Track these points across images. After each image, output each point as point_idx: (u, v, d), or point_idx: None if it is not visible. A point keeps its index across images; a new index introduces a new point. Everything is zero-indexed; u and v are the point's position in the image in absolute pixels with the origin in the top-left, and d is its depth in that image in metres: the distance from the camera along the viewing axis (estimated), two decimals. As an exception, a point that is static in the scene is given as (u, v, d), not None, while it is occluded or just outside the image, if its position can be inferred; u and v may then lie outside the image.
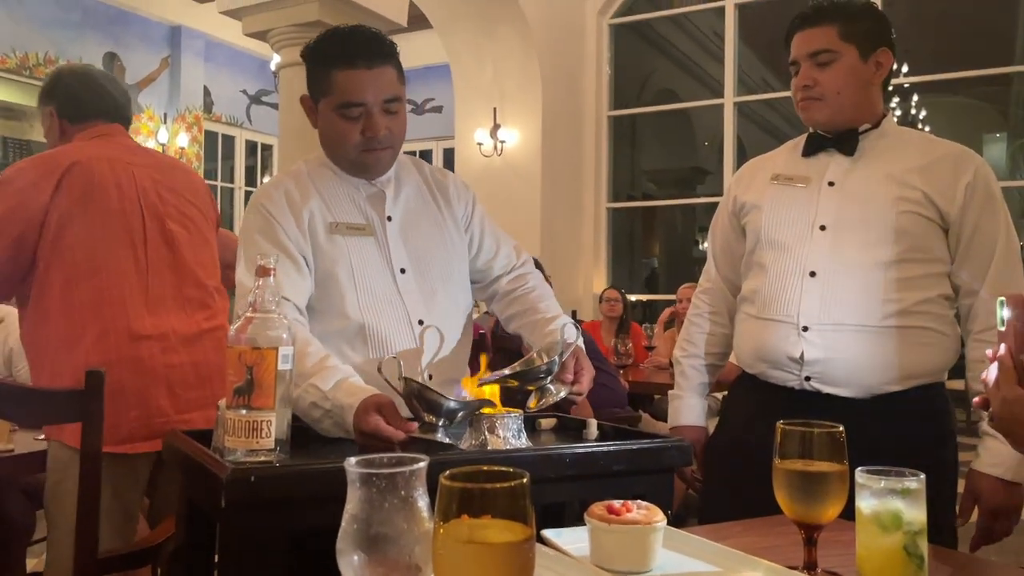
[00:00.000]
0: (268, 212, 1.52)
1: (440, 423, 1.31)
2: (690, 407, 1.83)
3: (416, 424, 1.29)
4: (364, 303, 1.52)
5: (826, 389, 1.55)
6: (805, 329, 1.56)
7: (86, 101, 1.97)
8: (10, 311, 2.88)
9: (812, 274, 1.57)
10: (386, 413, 1.28)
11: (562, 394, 1.42)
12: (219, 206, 2.21)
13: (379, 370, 1.40)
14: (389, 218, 1.59)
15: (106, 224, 1.81)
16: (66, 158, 1.82)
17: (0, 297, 1.83)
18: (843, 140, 1.64)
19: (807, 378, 1.56)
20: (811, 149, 1.69)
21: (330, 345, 1.50)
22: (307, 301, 1.52)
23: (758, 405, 1.62)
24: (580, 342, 1.51)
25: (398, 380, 1.34)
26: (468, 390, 1.37)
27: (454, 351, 1.61)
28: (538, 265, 3.41)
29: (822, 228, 1.59)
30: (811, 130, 1.71)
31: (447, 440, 1.31)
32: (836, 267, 1.56)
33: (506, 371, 1.40)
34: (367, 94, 1.48)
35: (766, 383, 1.64)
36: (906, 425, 1.52)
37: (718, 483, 1.74)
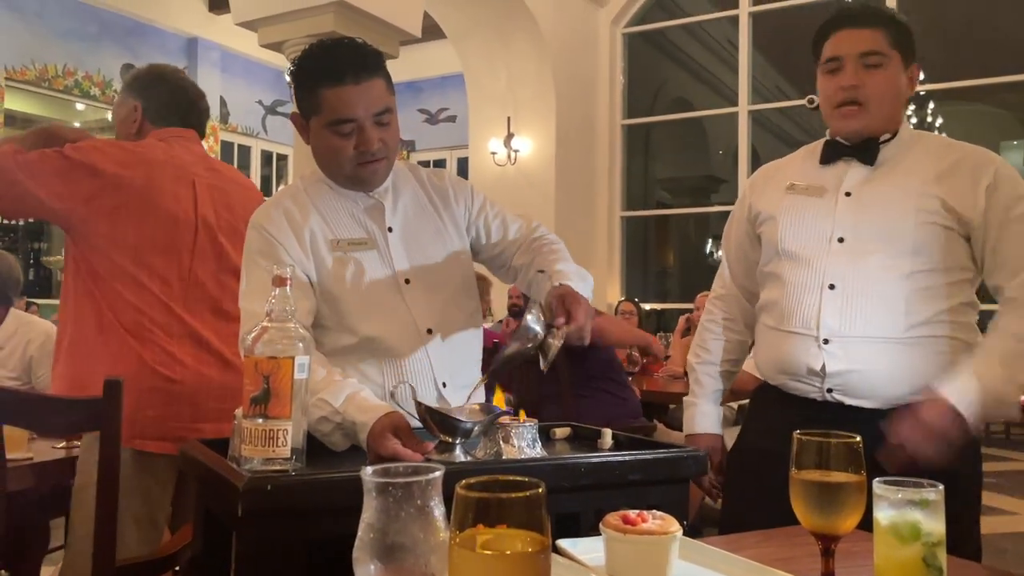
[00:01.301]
0: (269, 233, 1.52)
1: (457, 442, 1.31)
2: (705, 414, 1.82)
3: (432, 445, 1.30)
4: (372, 317, 1.52)
5: (848, 401, 1.53)
6: (826, 342, 1.54)
7: (173, 107, 2.02)
8: (31, 319, 2.92)
9: (831, 287, 1.55)
10: (402, 435, 1.28)
11: (561, 339, 1.35)
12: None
13: (391, 396, 1.40)
14: (390, 229, 1.59)
15: (156, 229, 1.84)
16: (125, 154, 1.86)
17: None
18: (863, 149, 1.60)
19: (829, 390, 1.55)
20: (829, 157, 1.65)
21: (342, 360, 1.50)
22: (311, 319, 1.52)
23: (780, 416, 1.60)
24: (583, 287, 1.46)
25: (412, 403, 1.34)
26: (497, 403, 1.38)
27: (464, 355, 1.62)
28: None
29: (840, 240, 1.56)
30: (828, 136, 1.67)
31: (465, 458, 1.31)
32: (856, 280, 1.53)
33: (505, 351, 1.36)
34: (357, 109, 1.47)
35: (788, 394, 1.62)
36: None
37: (739, 494, 1.73)
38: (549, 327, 1.35)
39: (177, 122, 2.02)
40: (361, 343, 1.52)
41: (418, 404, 1.32)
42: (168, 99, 2.02)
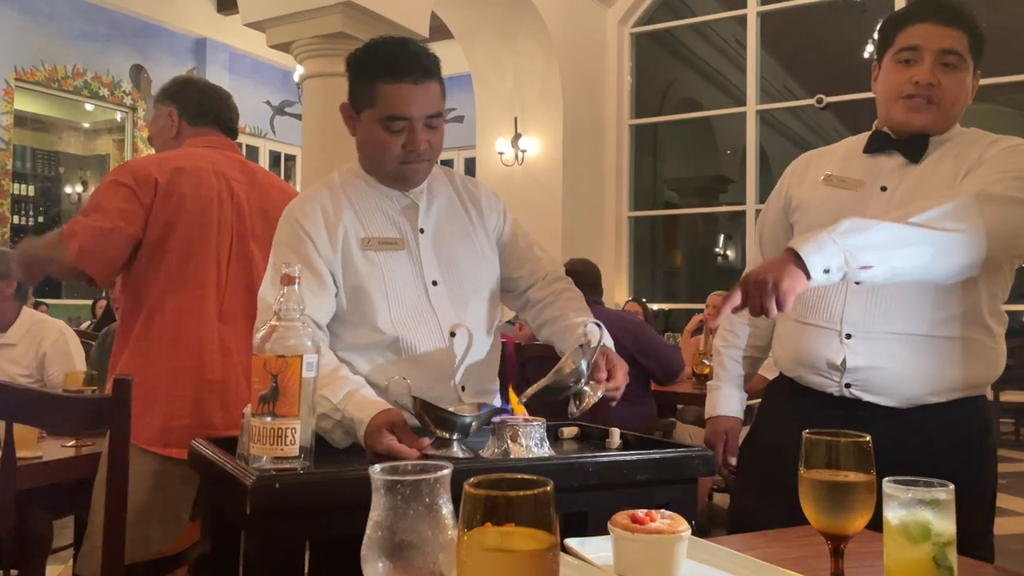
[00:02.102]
0: (302, 227, 1.54)
1: (454, 437, 1.32)
2: (728, 397, 1.80)
3: (428, 441, 1.30)
4: (396, 316, 1.53)
5: (866, 397, 1.51)
6: (848, 336, 1.52)
7: (206, 106, 2.08)
8: (44, 317, 2.93)
9: (858, 282, 1.50)
10: (398, 431, 1.29)
11: (599, 394, 1.42)
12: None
13: (386, 390, 1.41)
14: (421, 230, 1.60)
15: (201, 238, 1.90)
16: (172, 163, 1.92)
17: (102, 282, 1.94)
18: (911, 144, 1.56)
19: (847, 385, 1.53)
20: (874, 147, 1.61)
21: (364, 357, 1.52)
22: (328, 318, 1.53)
23: (794, 409, 1.58)
24: (608, 340, 1.50)
25: (408, 398, 1.35)
26: (513, 406, 1.38)
27: (485, 361, 1.62)
28: (596, 274, 3.38)
29: None
30: (876, 127, 1.63)
31: (462, 454, 1.32)
32: None
33: (539, 384, 1.40)
34: (412, 109, 1.50)
35: (804, 387, 1.60)
36: (946, 437, 1.49)
37: (751, 489, 1.71)
38: (589, 379, 1.41)
39: (212, 121, 2.08)
40: (383, 341, 1.53)
41: (414, 399, 1.33)
42: (200, 98, 2.09)
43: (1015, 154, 1.48)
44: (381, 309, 1.52)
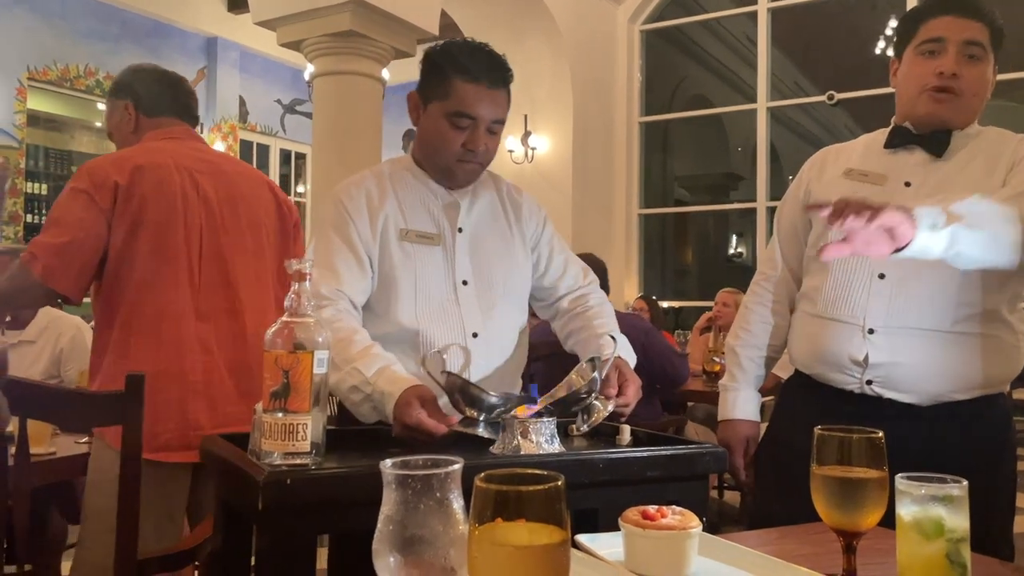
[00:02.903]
0: (345, 209, 1.58)
1: (480, 418, 1.33)
2: (747, 399, 1.75)
3: (456, 418, 1.32)
4: (421, 311, 1.55)
5: (887, 394, 1.50)
6: (871, 332, 1.50)
7: (162, 97, 2.00)
8: (60, 314, 2.95)
9: (881, 276, 1.51)
10: (428, 406, 1.30)
11: (609, 409, 1.42)
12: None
13: (423, 363, 1.42)
14: (460, 229, 1.63)
15: (168, 237, 1.83)
16: (131, 162, 1.84)
17: (77, 299, 1.85)
18: (933, 139, 1.55)
19: (868, 382, 1.51)
20: (895, 142, 1.60)
21: (384, 346, 1.53)
22: (364, 298, 1.56)
23: (813, 407, 1.56)
24: (629, 356, 1.52)
25: (440, 375, 1.37)
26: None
27: (504, 367, 1.63)
28: (602, 269, 3.37)
29: None
30: (895, 121, 1.62)
31: (487, 435, 1.33)
32: (907, 270, 1.48)
33: (549, 396, 1.40)
34: (481, 110, 1.54)
35: (823, 385, 1.58)
36: (966, 435, 1.47)
37: (771, 489, 1.69)
38: (593, 392, 1.41)
39: (168, 110, 2.00)
40: (405, 334, 1.55)
41: (448, 374, 1.36)
42: (154, 88, 2.01)
43: None
44: (407, 301, 1.54)
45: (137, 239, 1.80)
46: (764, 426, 1.78)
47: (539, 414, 1.36)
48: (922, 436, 1.45)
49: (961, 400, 1.48)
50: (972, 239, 1.23)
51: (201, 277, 1.86)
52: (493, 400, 1.32)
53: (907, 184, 1.55)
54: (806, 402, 1.63)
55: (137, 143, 1.97)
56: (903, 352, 1.48)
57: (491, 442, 1.34)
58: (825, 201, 1.17)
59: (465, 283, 1.59)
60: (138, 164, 1.83)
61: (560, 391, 1.40)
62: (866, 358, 1.50)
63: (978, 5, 1.55)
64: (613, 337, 1.52)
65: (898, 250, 1.19)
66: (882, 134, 1.65)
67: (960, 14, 1.54)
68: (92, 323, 2.84)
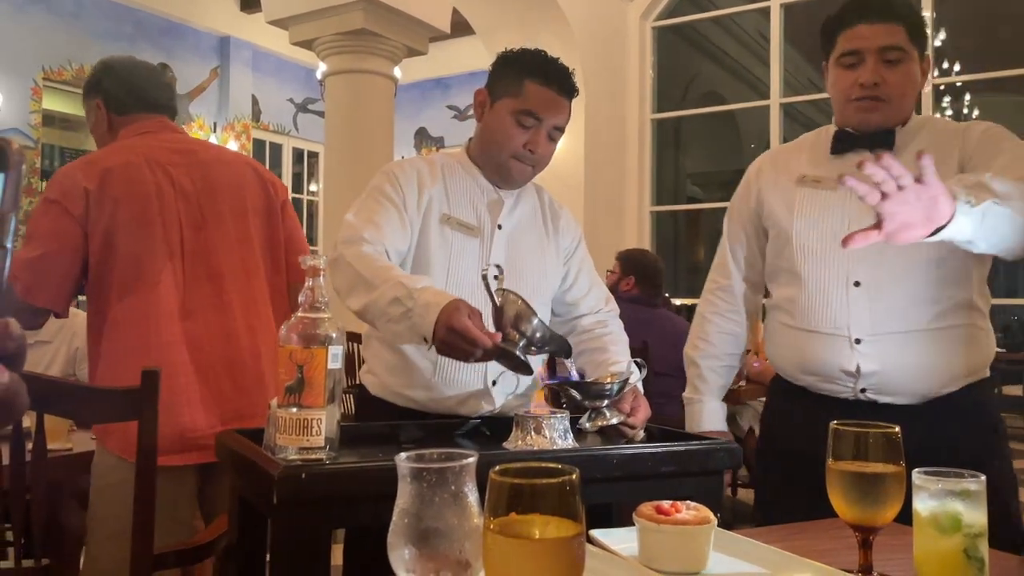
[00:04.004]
0: (396, 177, 1.62)
1: (521, 343, 1.36)
2: (712, 411, 1.78)
3: (500, 335, 1.33)
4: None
5: (882, 399, 1.52)
6: (858, 342, 1.51)
7: (132, 93, 1.93)
8: (75, 313, 2.96)
9: (856, 284, 1.52)
10: (474, 318, 1.31)
11: (614, 420, 1.48)
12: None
13: (483, 277, 1.46)
14: (500, 226, 1.67)
15: (147, 236, 1.78)
16: (100, 165, 1.79)
17: (62, 310, 1.81)
18: (877, 139, 1.55)
19: (863, 390, 1.52)
20: (840, 147, 1.60)
21: None
22: (399, 257, 1.58)
23: (808, 415, 1.55)
24: (640, 386, 1.57)
25: (496, 291, 1.40)
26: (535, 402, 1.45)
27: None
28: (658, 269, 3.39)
29: None
30: (835, 126, 1.63)
31: (522, 356, 1.36)
32: (880, 275, 1.51)
33: (572, 378, 1.46)
34: (548, 113, 1.61)
35: (814, 394, 1.59)
36: (961, 425, 1.50)
37: (775, 498, 1.68)
38: (613, 405, 1.49)
39: (138, 107, 1.93)
40: None
41: (504, 290, 1.40)
42: (121, 85, 1.94)
43: (1009, 136, 1.49)
44: (437, 285, 1.54)
45: (114, 243, 1.76)
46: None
47: (557, 402, 1.38)
48: (920, 434, 1.44)
49: (951, 392, 1.51)
50: (999, 218, 1.20)
51: (185, 275, 1.81)
52: (537, 322, 1.37)
53: None
54: (798, 409, 1.63)
55: (112, 141, 1.93)
56: (892, 357, 1.49)
57: (525, 366, 1.38)
58: (858, 168, 1.12)
59: (496, 278, 1.61)
60: (107, 167, 1.79)
61: (586, 383, 1.48)
62: (858, 368, 1.51)
63: (889, 5, 1.54)
64: (639, 365, 1.58)
65: (933, 232, 1.16)
66: (822, 136, 1.66)
67: (874, 19, 1.54)
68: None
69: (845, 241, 1.17)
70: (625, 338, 1.79)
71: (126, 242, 1.76)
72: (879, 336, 1.50)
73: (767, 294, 1.75)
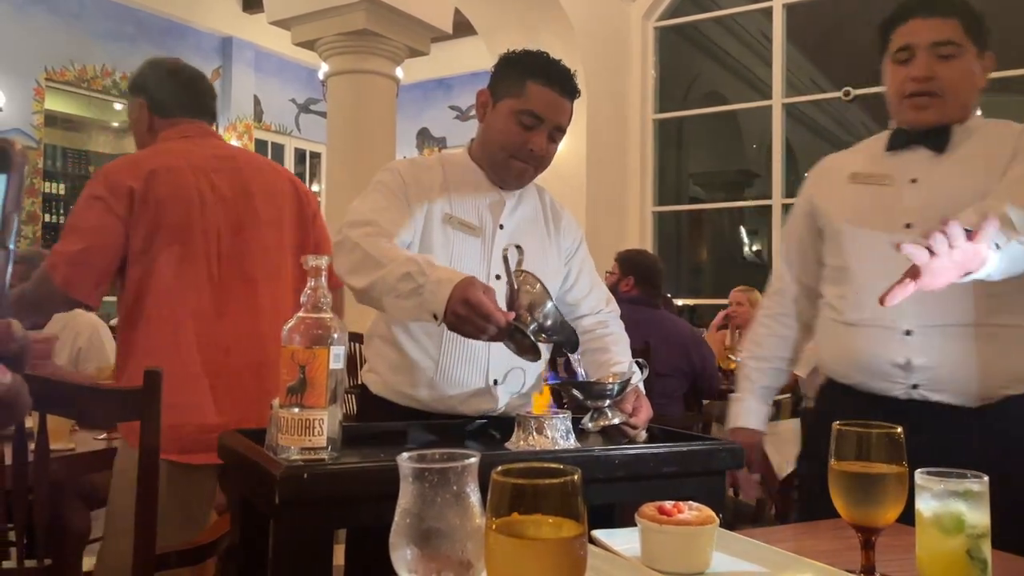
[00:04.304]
0: (400, 174, 1.63)
1: (533, 321, 1.37)
2: (750, 410, 1.77)
3: (513, 315, 1.35)
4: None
5: (934, 397, 1.46)
6: (908, 333, 1.47)
7: (175, 96, 1.98)
8: (77, 313, 2.97)
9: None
10: (489, 295, 1.31)
11: (616, 420, 1.49)
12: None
13: (504, 257, 1.48)
14: (501, 226, 1.67)
15: (187, 238, 1.84)
16: (145, 166, 1.85)
17: (95, 304, 1.87)
18: (933, 136, 1.54)
19: (914, 386, 1.47)
20: (896, 144, 1.59)
21: (407, 333, 1.60)
22: (402, 244, 1.57)
23: (856, 415, 1.53)
24: (641, 386, 1.58)
25: (516, 272, 1.42)
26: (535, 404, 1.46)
27: (525, 363, 1.63)
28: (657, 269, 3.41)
29: (907, 226, 1.49)
30: (893, 126, 1.61)
31: (531, 338, 1.37)
32: None
33: (580, 377, 1.49)
34: (549, 113, 1.62)
35: (864, 394, 1.54)
36: (1017, 431, 1.44)
37: (821, 506, 1.66)
38: (615, 405, 1.50)
39: (181, 111, 1.98)
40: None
41: (523, 272, 1.42)
42: (166, 88, 1.98)
43: None
44: None
45: (155, 243, 1.81)
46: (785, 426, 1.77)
47: (559, 404, 1.38)
48: (976, 438, 1.42)
49: (1010, 396, 1.45)
50: (1018, 253, 1.22)
51: (220, 278, 1.86)
52: (550, 306, 1.38)
53: (913, 181, 1.54)
54: (847, 411, 1.56)
55: (152, 142, 1.97)
56: (944, 351, 1.45)
57: (534, 349, 1.38)
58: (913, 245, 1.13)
59: (498, 277, 1.63)
60: (152, 168, 1.84)
61: (589, 382, 1.49)
62: (908, 362, 1.47)
63: (944, 1, 1.54)
64: (641, 365, 1.59)
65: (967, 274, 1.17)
66: (881, 139, 1.65)
67: (926, 15, 1.53)
68: (112, 322, 2.83)
69: (882, 300, 1.17)
70: (626, 338, 1.79)
71: (166, 243, 1.82)
72: (930, 328, 1.46)
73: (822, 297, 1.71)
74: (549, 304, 1.38)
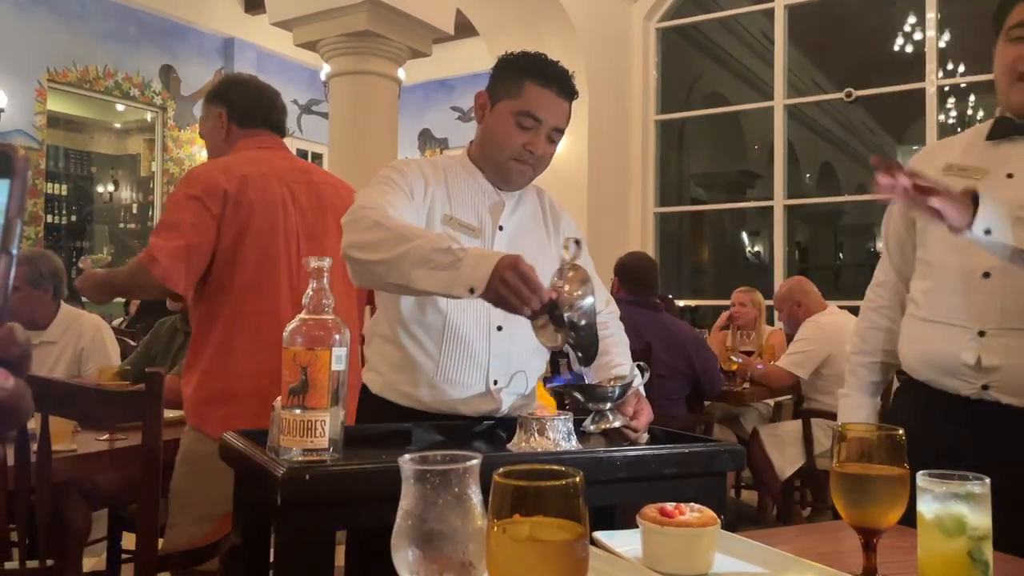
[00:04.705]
0: (402, 171, 1.63)
1: (567, 312, 1.37)
2: (858, 406, 1.73)
3: (556, 295, 1.35)
4: (451, 298, 1.56)
5: (1005, 399, 1.42)
6: (982, 334, 1.43)
7: (257, 110, 2.13)
8: (79, 313, 2.97)
9: (986, 275, 1.43)
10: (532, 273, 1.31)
11: (617, 423, 1.49)
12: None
13: (565, 247, 1.49)
14: (501, 227, 1.68)
15: (272, 243, 1.97)
16: (237, 171, 1.97)
17: (189, 297, 2.00)
18: None
19: (984, 387, 1.43)
20: (998, 133, 1.51)
21: (407, 332, 1.59)
22: None
23: (928, 415, 1.49)
24: (642, 389, 1.59)
25: (568, 262, 1.42)
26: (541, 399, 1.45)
27: (525, 363, 1.65)
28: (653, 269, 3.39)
29: (987, 232, 1.37)
30: (999, 113, 1.54)
31: (567, 324, 1.37)
32: (1013, 267, 1.37)
33: (576, 381, 1.48)
34: (547, 114, 1.62)
35: (937, 391, 1.51)
36: None
37: None
38: (616, 408, 1.51)
39: (260, 123, 2.13)
40: (432, 319, 1.59)
41: (577, 266, 1.42)
42: (248, 101, 2.14)
43: None
44: None
45: (243, 244, 1.94)
46: None
47: (561, 405, 1.38)
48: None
49: None
50: (1000, 249, 1.21)
51: (298, 282, 1.98)
52: (590, 307, 1.37)
53: (1009, 176, 1.46)
54: (919, 409, 1.55)
55: (229, 150, 2.11)
56: (1017, 354, 1.40)
57: (560, 336, 1.38)
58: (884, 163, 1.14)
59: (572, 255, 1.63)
60: (243, 173, 1.98)
61: (590, 386, 1.50)
62: (979, 362, 1.43)
63: None
64: (642, 368, 1.59)
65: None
66: (983, 126, 1.57)
67: None
68: (114, 323, 2.81)
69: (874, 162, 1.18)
70: (626, 340, 1.80)
71: (253, 245, 1.94)
72: (1005, 331, 1.41)
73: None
74: (590, 299, 1.37)
